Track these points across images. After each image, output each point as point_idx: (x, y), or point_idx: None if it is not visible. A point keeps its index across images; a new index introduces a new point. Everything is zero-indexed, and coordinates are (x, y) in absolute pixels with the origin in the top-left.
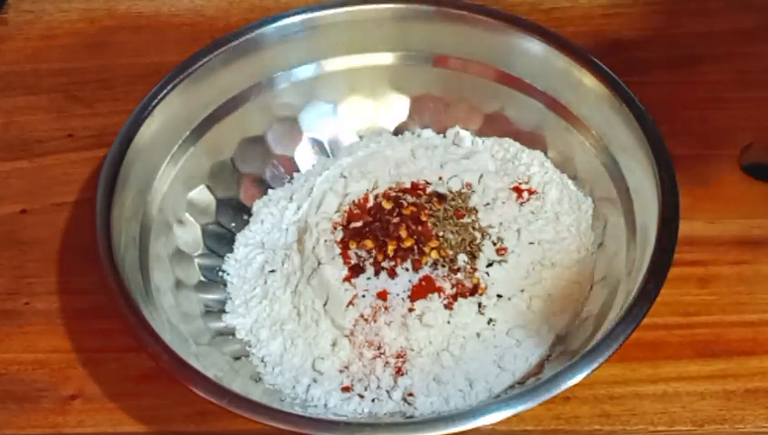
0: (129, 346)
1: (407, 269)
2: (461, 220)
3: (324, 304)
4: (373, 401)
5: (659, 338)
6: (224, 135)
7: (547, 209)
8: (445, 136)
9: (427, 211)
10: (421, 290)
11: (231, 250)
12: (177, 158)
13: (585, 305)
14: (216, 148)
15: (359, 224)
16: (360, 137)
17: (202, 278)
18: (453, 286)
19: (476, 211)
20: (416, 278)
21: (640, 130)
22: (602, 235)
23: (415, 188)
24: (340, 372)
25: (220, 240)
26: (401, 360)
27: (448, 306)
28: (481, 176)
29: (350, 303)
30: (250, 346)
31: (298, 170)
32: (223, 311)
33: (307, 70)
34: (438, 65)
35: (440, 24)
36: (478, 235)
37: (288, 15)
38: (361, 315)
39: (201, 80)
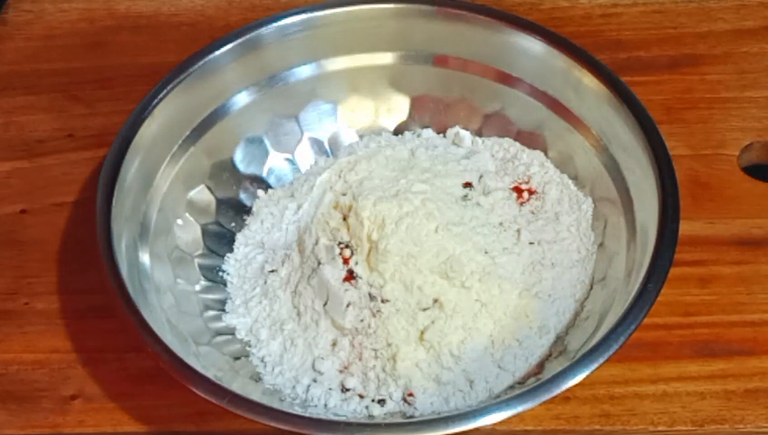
0: (129, 346)
1: None
2: None
3: (324, 304)
4: (373, 400)
5: (659, 338)
6: (224, 135)
7: (547, 209)
8: (445, 136)
9: None
10: None
11: (231, 250)
12: (177, 158)
13: (585, 305)
14: (216, 148)
15: None
16: (360, 137)
17: (202, 278)
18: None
19: None
20: None
21: (640, 130)
22: (602, 235)
23: None
24: (340, 372)
25: (220, 240)
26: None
27: None
28: (481, 176)
29: (350, 303)
30: (250, 346)
31: (298, 170)
32: (223, 311)
33: (307, 70)
34: (438, 65)
35: (440, 24)
36: None
37: (288, 15)
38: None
39: (201, 80)
